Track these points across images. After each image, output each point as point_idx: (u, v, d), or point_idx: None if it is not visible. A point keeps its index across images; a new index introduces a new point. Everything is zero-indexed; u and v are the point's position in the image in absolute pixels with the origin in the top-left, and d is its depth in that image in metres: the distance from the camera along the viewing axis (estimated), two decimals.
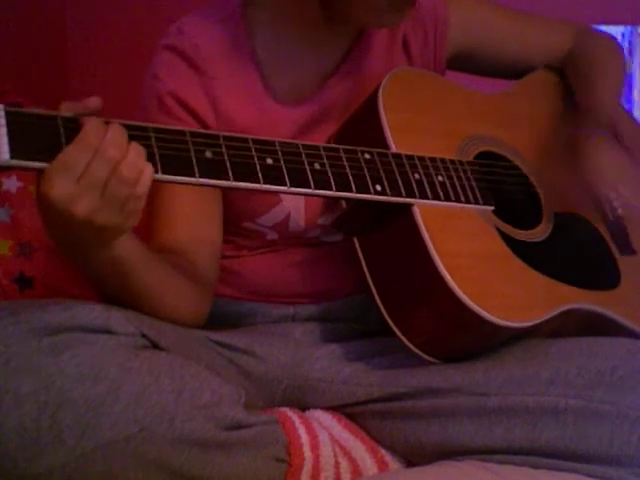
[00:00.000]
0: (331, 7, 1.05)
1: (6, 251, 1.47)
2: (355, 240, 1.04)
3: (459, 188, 1.04)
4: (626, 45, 1.86)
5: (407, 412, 1.02)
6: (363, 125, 1.08)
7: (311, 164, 0.94)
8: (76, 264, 0.91)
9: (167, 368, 0.91)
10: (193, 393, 0.91)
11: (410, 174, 1.00)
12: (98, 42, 2.01)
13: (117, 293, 0.94)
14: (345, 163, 0.96)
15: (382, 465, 1.04)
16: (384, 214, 1.00)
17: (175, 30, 1.10)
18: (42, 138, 0.78)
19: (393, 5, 1.03)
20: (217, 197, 1.09)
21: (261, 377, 1.09)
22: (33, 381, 0.83)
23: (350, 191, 0.96)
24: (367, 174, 0.97)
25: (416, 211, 0.98)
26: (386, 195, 0.98)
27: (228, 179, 0.87)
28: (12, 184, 1.49)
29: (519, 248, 1.04)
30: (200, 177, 0.85)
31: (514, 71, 1.27)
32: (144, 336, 0.93)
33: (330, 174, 0.95)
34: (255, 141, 0.91)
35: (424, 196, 1.00)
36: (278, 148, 0.92)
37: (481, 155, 1.11)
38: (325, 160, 0.95)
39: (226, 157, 0.87)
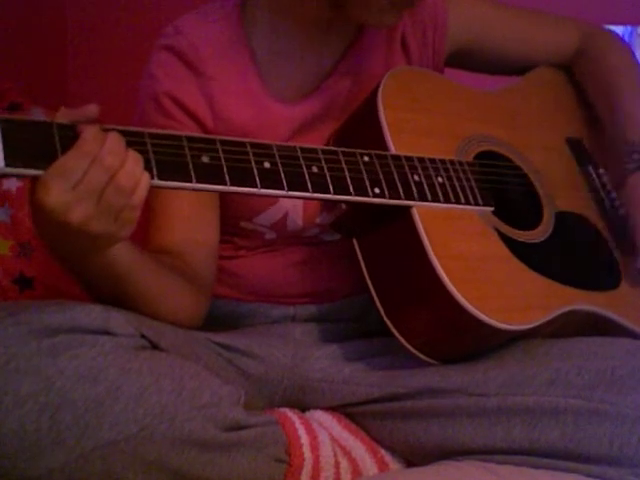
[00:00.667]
0: (331, 6, 1.05)
1: (6, 251, 1.47)
2: (354, 241, 1.04)
3: (459, 189, 1.04)
4: None
5: (407, 412, 1.02)
6: (362, 125, 1.08)
7: (309, 167, 0.93)
8: (70, 270, 0.91)
9: (167, 369, 0.91)
10: (193, 394, 0.91)
11: (409, 176, 1.00)
12: (98, 42, 2.01)
13: (113, 297, 0.94)
14: (344, 166, 0.96)
15: (382, 465, 1.04)
16: (383, 216, 1.00)
17: (172, 30, 1.09)
18: (37, 146, 0.78)
19: (394, 5, 1.03)
20: (214, 198, 1.09)
21: (261, 377, 1.09)
22: (33, 382, 0.83)
23: (348, 194, 0.95)
24: (366, 177, 0.97)
25: (415, 213, 0.98)
26: (385, 198, 0.97)
27: (225, 184, 0.87)
28: (12, 184, 1.49)
29: (519, 249, 1.04)
30: (197, 182, 0.85)
31: (516, 68, 1.27)
32: (143, 337, 0.93)
33: (328, 177, 0.94)
34: (252, 145, 0.90)
35: (423, 198, 1.00)
36: (275, 152, 0.92)
37: (481, 155, 1.11)
38: (323, 163, 0.95)
39: (223, 162, 0.87)
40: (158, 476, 0.89)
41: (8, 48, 1.78)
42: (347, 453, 1.04)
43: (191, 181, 0.85)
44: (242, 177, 0.88)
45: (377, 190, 0.97)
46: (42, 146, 0.78)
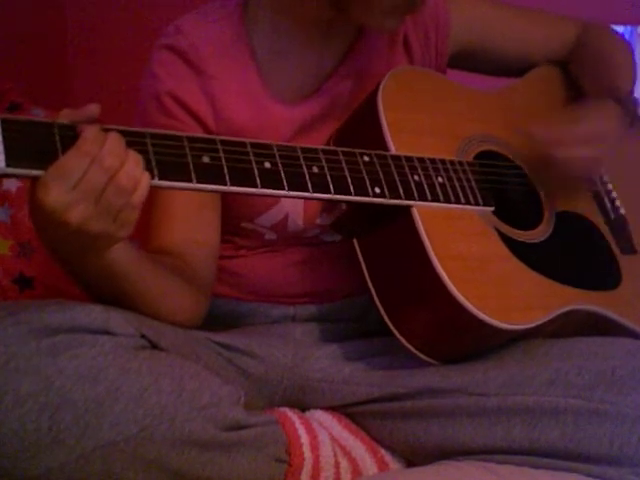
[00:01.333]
0: (332, 8, 1.05)
1: (6, 251, 1.47)
2: (354, 241, 1.04)
3: (459, 189, 1.04)
4: None
5: (407, 412, 1.02)
6: (362, 125, 1.08)
7: (309, 167, 0.93)
8: (69, 271, 0.91)
9: (167, 369, 0.91)
10: (193, 394, 0.91)
11: (409, 176, 1.00)
12: (98, 42, 2.01)
13: (112, 298, 0.93)
14: (344, 166, 0.96)
15: (382, 465, 1.04)
16: (383, 216, 1.00)
17: (173, 29, 1.09)
18: (38, 146, 0.78)
19: (396, 9, 1.03)
20: (215, 198, 1.09)
21: (261, 377, 1.09)
22: (32, 382, 0.83)
23: (349, 194, 0.95)
24: (366, 177, 0.97)
25: (415, 213, 0.98)
26: (385, 198, 0.97)
27: (225, 184, 0.87)
28: (12, 184, 1.49)
29: (519, 249, 1.04)
30: (197, 182, 0.85)
31: (516, 68, 1.27)
32: (143, 337, 0.93)
33: (328, 177, 0.94)
34: (253, 145, 0.90)
35: (423, 198, 1.00)
36: (276, 152, 0.92)
37: (482, 154, 1.11)
38: (324, 163, 0.95)
39: (223, 162, 0.87)
40: (158, 476, 0.89)
41: (8, 48, 1.78)
42: (347, 453, 1.04)
43: (192, 181, 0.85)
44: (242, 177, 0.88)
45: (377, 190, 0.97)
46: (43, 146, 0.78)
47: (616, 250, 1.18)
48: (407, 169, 1.00)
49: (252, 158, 0.90)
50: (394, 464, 1.05)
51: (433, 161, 1.03)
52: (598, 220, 1.19)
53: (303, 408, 1.10)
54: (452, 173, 1.05)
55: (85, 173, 0.78)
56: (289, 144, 0.95)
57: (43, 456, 0.83)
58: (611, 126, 1.12)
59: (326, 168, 0.95)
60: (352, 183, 0.96)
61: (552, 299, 1.03)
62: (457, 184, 1.04)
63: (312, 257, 1.15)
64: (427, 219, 0.98)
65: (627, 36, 1.86)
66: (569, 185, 1.16)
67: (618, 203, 1.19)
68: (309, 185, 0.93)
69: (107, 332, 0.89)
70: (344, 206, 1.04)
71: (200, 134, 0.97)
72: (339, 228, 1.08)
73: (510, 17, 1.25)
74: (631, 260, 1.18)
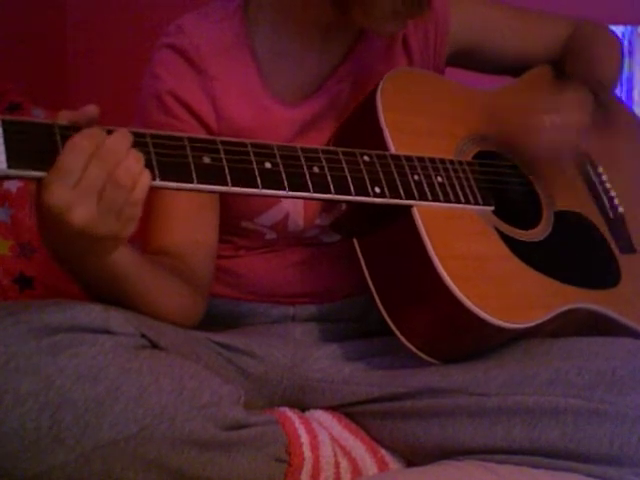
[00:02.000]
0: (334, 11, 1.05)
1: (6, 251, 1.47)
2: (355, 241, 1.04)
3: (459, 189, 1.04)
4: (626, 45, 1.86)
5: (407, 412, 1.02)
6: (362, 125, 1.08)
7: (310, 167, 0.93)
8: (70, 272, 0.91)
9: (167, 368, 0.91)
10: (193, 393, 0.91)
11: (409, 176, 1.00)
12: (98, 42, 2.01)
13: (111, 298, 0.93)
14: (344, 166, 0.96)
15: (382, 465, 1.04)
16: (384, 216, 1.00)
17: (175, 28, 1.09)
18: (39, 147, 0.78)
19: (397, 14, 1.03)
20: (214, 198, 1.08)
21: (261, 377, 1.09)
22: (33, 381, 0.83)
23: (349, 194, 0.95)
24: (366, 177, 0.97)
25: (415, 213, 0.98)
26: (385, 197, 0.97)
27: (226, 184, 0.87)
28: (12, 184, 1.49)
29: (519, 248, 1.04)
30: (198, 183, 0.85)
31: (515, 67, 1.27)
32: (143, 336, 0.93)
33: (329, 177, 0.94)
34: (254, 145, 0.90)
35: (423, 198, 1.00)
36: (277, 152, 0.92)
37: (480, 154, 1.11)
38: (324, 163, 0.95)
39: (224, 162, 0.87)
40: (158, 476, 0.89)
41: (8, 48, 1.78)
42: (347, 453, 1.04)
43: (192, 182, 0.85)
44: (243, 177, 0.88)
45: (377, 190, 0.97)
46: (44, 147, 0.78)
47: (615, 249, 1.18)
48: (407, 169, 1.01)
49: (253, 158, 0.90)
50: (394, 464, 1.05)
51: (433, 161, 1.04)
52: (597, 219, 1.19)
53: (303, 408, 1.10)
54: (452, 173, 1.05)
55: (85, 170, 0.78)
56: (289, 144, 0.95)
57: (43, 455, 0.82)
58: (572, 105, 1.14)
59: (326, 168, 0.95)
60: (352, 183, 0.96)
61: (552, 298, 1.03)
62: (457, 183, 1.04)
63: (312, 257, 1.15)
64: (427, 219, 0.98)
65: (627, 36, 1.86)
66: (565, 183, 1.16)
67: (617, 202, 1.20)
68: (310, 185, 0.93)
69: (107, 331, 0.89)
70: (344, 206, 1.04)
71: (201, 135, 0.97)
72: (339, 228, 1.08)
73: (509, 17, 1.25)
74: (630, 259, 1.18)
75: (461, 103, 1.15)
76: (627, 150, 1.26)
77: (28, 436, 0.82)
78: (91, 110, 0.82)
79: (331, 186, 0.94)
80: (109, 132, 0.81)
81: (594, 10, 1.44)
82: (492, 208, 1.06)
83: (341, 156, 0.97)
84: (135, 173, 0.80)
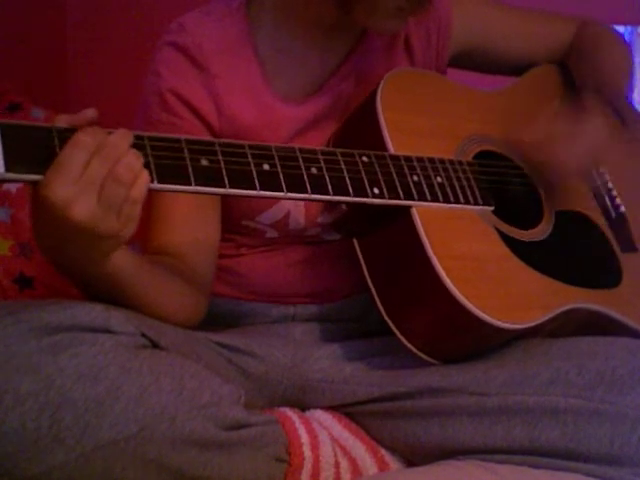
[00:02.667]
0: (337, 10, 1.05)
1: (6, 251, 1.47)
2: (355, 241, 1.04)
3: (458, 189, 1.04)
4: None
5: (407, 412, 1.02)
6: (362, 125, 1.08)
7: (308, 169, 0.93)
8: (67, 274, 0.91)
9: (167, 368, 0.91)
10: (193, 393, 0.91)
11: (408, 176, 1.00)
12: (98, 42, 2.01)
13: (111, 299, 0.93)
14: (342, 167, 0.96)
15: (382, 465, 1.04)
16: (383, 216, 1.00)
17: (177, 26, 1.09)
18: (38, 150, 0.77)
19: (400, 12, 1.03)
20: (215, 197, 1.08)
21: (261, 377, 1.09)
22: (33, 381, 0.83)
23: (347, 195, 0.95)
24: (365, 177, 0.97)
25: (414, 213, 0.98)
26: (384, 198, 0.97)
27: (224, 186, 0.86)
28: (12, 184, 1.49)
29: (519, 248, 1.04)
30: (196, 185, 0.84)
31: (517, 67, 1.27)
32: (144, 336, 0.93)
33: (327, 178, 0.94)
34: (251, 147, 0.90)
35: (422, 198, 1.00)
36: (274, 153, 0.91)
37: (481, 154, 1.11)
38: (322, 164, 0.94)
39: (222, 164, 0.87)
40: (158, 476, 0.89)
41: (8, 48, 1.78)
42: (347, 453, 1.04)
43: (190, 184, 0.84)
44: (241, 179, 0.88)
45: (376, 191, 0.97)
46: (42, 150, 0.78)
47: (616, 248, 1.18)
48: (406, 169, 1.00)
49: (250, 160, 0.89)
50: (394, 464, 1.05)
51: (432, 161, 1.03)
52: (598, 218, 1.19)
53: (303, 408, 1.10)
54: (451, 173, 1.05)
55: (86, 167, 0.78)
56: (288, 145, 0.94)
57: (43, 455, 0.82)
58: (596, 125, 1.12)
59: (325, 169, 0.95)
60: (351, 184, 0.96)
61: (552, 298, 1.03)
62: (456, 184, 1.04)
63: (312, 256, 1.15)
64: (426, 219, 0.98)
65: (627, 36, 1.86)
66: (568, 185, 1.16)
67: (618, 201, 1.20)
68: (308, 186, 0.92)
69: (107, 331, 0.89)
70: (344, 206, 1.04)
71: (198, 137, 0.97)
72: (339, 228, 1.08)
73: (511, 17, 1.25)
74: (632, 258, 1.18)
75: (462, 103, 1.15)
76: (629, 149, 1.26)
77: (28, 436, 0.82)
78: (90, 113, 0.82)
79: (329, 187, 0.94)
80: (109, 133, 0.81)
81: (594, 10, 1.44)
82: (492, 208, 1.06)
83: (339, 157, 0.97)
84: (135, 170, 0.81)
